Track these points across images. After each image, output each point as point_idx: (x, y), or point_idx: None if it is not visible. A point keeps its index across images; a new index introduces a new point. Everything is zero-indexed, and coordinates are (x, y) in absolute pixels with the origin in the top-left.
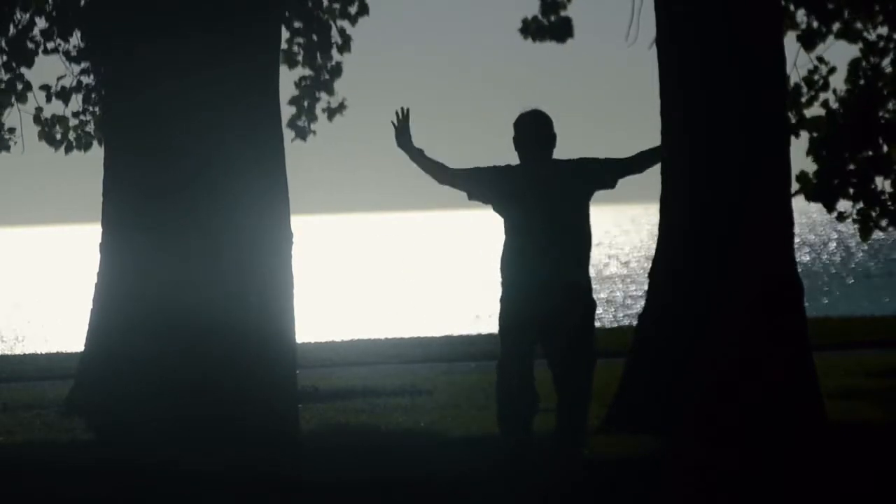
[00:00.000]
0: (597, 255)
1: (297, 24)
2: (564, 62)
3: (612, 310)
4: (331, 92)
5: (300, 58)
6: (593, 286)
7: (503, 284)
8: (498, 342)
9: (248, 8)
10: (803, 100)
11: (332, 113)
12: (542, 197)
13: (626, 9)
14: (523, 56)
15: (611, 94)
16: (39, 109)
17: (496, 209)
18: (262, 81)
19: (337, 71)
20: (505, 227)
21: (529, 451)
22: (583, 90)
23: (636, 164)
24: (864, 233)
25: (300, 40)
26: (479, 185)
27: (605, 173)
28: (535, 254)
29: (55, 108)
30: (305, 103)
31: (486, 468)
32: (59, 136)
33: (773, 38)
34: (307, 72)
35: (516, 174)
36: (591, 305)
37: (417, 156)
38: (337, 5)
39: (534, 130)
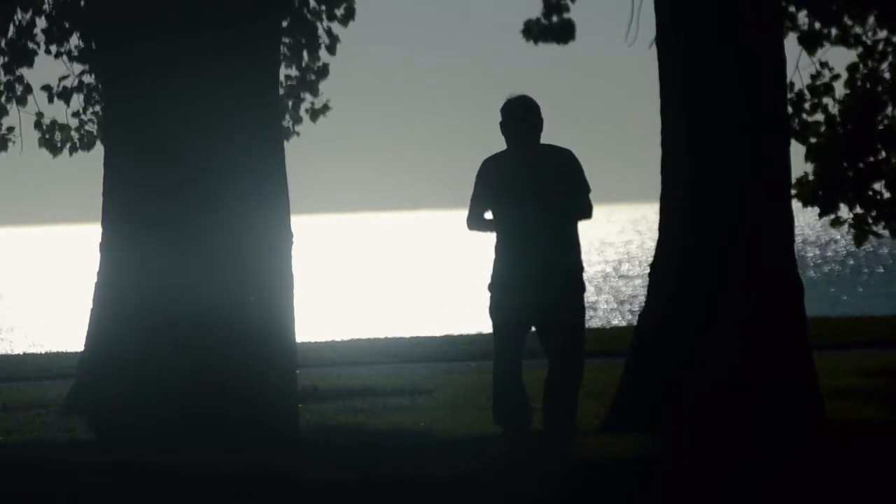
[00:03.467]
0: (597, 254)
1: (283, 24)
2: (563, 62)
3: (612, 309)
4: (315, 93)
5: (283, 58)
6: (592, 285)
7: (494, 277)
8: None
9: (248, 8)
10: (807, 106)
11: (315, 114)
12: (531, 186)
13: (625, 9)
14: (520, 55)
15: (610, 94)
16: (40, 115)
17: (491, 205)
18: (262, 82)
19: (323, 72)
20: (496, 220)
21: (528, 443)
22: (582, 90)
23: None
24: (859, 239)
25: (287, 40)
26: (483, 200)
27: (574, 197)
28: (528, 242)
29: (56, 110)
30: (289, 104)
31: (487, 466)
32: (59, 144)
33: (773, 38)
34: (293, 72)
35: (506, 164)
36: (582, 296)
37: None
38: (323, 7)
39: (521, 115)
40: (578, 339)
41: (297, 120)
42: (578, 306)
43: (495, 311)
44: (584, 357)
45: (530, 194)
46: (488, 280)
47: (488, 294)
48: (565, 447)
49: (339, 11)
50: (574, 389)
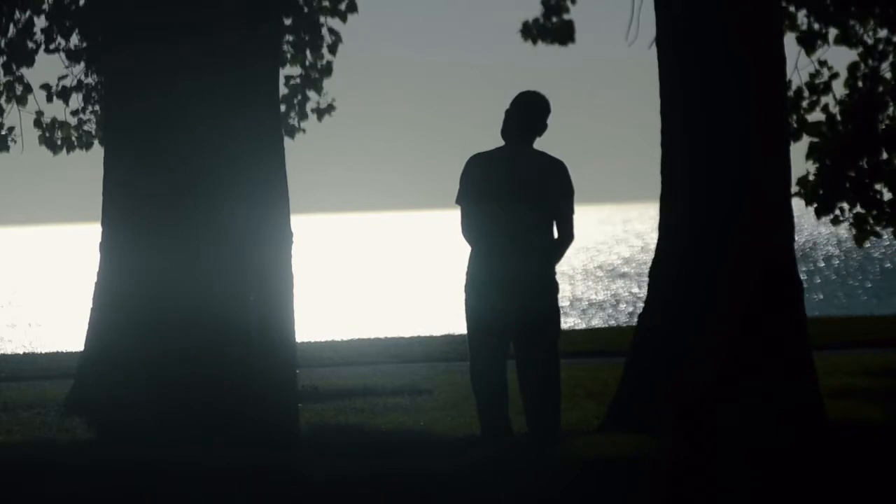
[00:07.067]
0: (598, 255)
1: (287, 22)
2: (563, 61)
3: (612, 310)
4: (319, 91)
5: (289, 55)
6: (594, 283)
7: (470, 283)
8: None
9: (248, 13)
10: (805, 104)
11: (321, 113)
12: (516, 186)
13: (625, 9)
14: (519, 54)
15: (610, 93)
16: (40, 114)
17: (474, 203)
18: (262, 83)
19: (327, 70)
20: (477, 218)
21: (513, 451)
22: (582, 90)
23: (558, 236)
24: (860, 238)
25: (290, 38)
26: (471, 199)
27: (556, 208)
28: (508, 242)
29: (55, 110)
30: (296, 101)
31: (486, 465)
32: (59, 142)
33: (772, 37)
34: (297, 70)
35: (493, 161)
36: (556, 303)
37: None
38: (327, 2)
39: (524, 110)
40: (554, 343)
41: (304, 116)
42: (554, 310)
43: (474, 311)
44: (559, 359)
45: (514, 194)
46: (464, 280)
47: (463, 295)
48: (554, 449)
49: (342, 6)
50: (557, 391)
